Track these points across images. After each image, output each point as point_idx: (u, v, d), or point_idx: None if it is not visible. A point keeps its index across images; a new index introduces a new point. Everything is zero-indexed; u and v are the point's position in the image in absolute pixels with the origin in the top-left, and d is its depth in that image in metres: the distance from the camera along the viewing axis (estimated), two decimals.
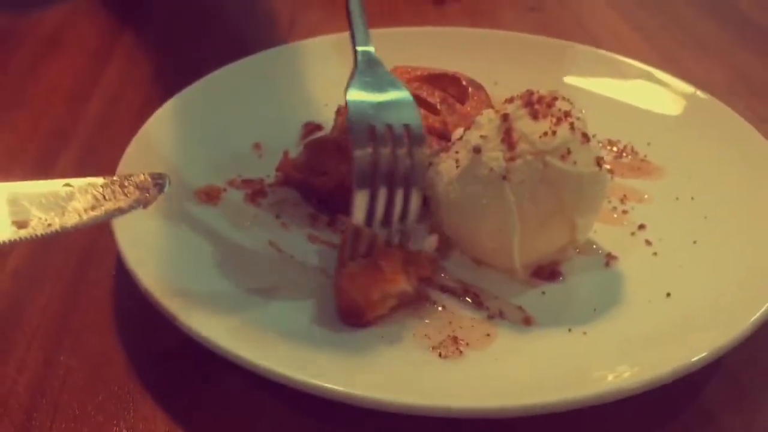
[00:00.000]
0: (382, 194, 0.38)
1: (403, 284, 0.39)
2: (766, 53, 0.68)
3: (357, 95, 0.40)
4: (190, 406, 0.37)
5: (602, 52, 0.60)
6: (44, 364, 0.39)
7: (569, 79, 0.58)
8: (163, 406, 0.37)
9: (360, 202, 0.38)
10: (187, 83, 0.54)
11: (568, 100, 0.42)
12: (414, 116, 0.39)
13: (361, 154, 0.37)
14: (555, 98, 0.40)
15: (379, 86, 0.40)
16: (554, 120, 0.40)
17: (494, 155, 0.39)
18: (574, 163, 0.40)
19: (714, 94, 0.61)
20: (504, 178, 0.39)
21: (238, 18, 0.74)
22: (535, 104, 0.40)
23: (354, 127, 0.38)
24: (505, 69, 0.58)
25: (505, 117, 0.40)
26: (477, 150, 0.40)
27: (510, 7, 0.77)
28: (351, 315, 0.38)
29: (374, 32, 0.62)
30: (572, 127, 0.40)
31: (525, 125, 0.40)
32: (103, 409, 0.37)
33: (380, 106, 0.39)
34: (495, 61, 0.59)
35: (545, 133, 0.39)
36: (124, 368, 0.39)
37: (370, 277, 0.38)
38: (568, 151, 0.39)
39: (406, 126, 0.38)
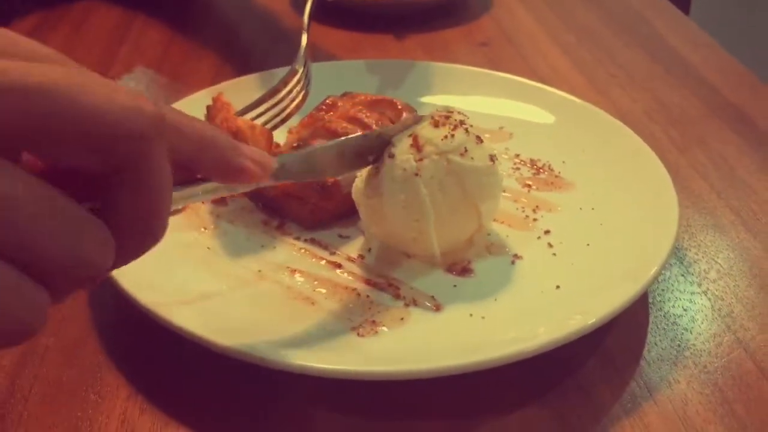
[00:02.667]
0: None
1: None
2: (685, 85, 0.76)
3: None
4: (148, 375, 0.44)
5: (535, 84, 0.68)
6: (27, 343, 0.46)
7: (504, 107, 0.66)
8: (125, 376, 0.44)
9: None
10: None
11: (462, 113, 0.50)
12: None
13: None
14: (450, 111, 0.49)
15: None
16: (452, 126, 0.48)
17: (406, 158, 0.47)
18: (472, 158, 0.47)
19: (636, 121, 0.69)
20: (416, 175, 0.46)
21: (220, 48, 0.82)
22: (435, 117, 0.48)
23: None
24: (447, 97, 0.66)
25: (412, 132, 0.47)
26: (391, 155, 0.48)
27: (463, 43, 0.85)
28: None
29: (333, 63, 0.71)
30: (467, 131, 0.48)
31: (428, 132, 0.48)
32: (75, 378, 0.44)
33: None
34: (441, 90, 0.68)
35: (445, 137, 0.47)
36: (95, 347, 0.46)
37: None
38: (466, 150, 0.47)
39: None
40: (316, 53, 0.81)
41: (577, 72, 0.79)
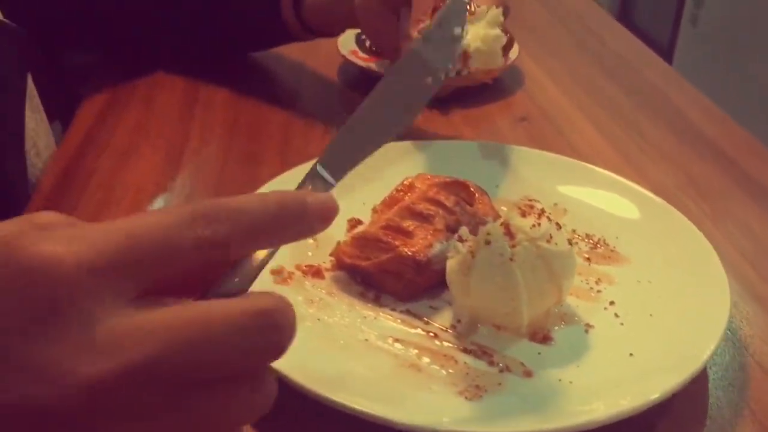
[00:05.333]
0: None
1: None
2: (709, 160, 0.84)
3: None
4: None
5: (584, 165, 0.76)
6: None
7: (558, 184, 0.73)
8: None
9: None
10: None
11: (539, 202, 0.57)
12: None
13: None
14: (531, 200, 0.56)
15: None
16: (536, 216, 0.56)
17: (501, 245, 0.54)
18: (556, 244, 0.55)
19: (668, 194, 0.76)
20: (511, 260, 0.54)
21: (280, 129, 0.89)
22: (522, 207, 0.56)
23: None
24: (506, 176, 0.74)
25: (504, 221, 0.55)
26: (488, 242, 0.55)
27: (503, 117, 0.93)
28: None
29: (400, 144, 0.79)
30: (549, 219, 0.56)
31: (518, 222, 0.55)
32: None
33: None
34: (497, 169, 0.75)
35: (533, 226, 0.55)
36: None
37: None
38: (551, 236, 0.55)
39: None
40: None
41: (612, 147, 0.87)
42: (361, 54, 1.00)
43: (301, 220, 0.35)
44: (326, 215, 0.36)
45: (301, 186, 0.42)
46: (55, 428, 0.29)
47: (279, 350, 0.32)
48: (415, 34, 0.71)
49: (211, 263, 0.33)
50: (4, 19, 0.72)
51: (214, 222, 0.32)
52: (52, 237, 0.30)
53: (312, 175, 0.42)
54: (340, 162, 0.43)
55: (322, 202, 0.36)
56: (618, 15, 3.80)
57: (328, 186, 0.42)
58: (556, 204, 0.71)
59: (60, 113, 0.96)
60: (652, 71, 1.08)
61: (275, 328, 0.32)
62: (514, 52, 1.00)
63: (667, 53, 3.33)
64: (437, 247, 0.60)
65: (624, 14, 3.79)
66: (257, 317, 0.31)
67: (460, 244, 0.57)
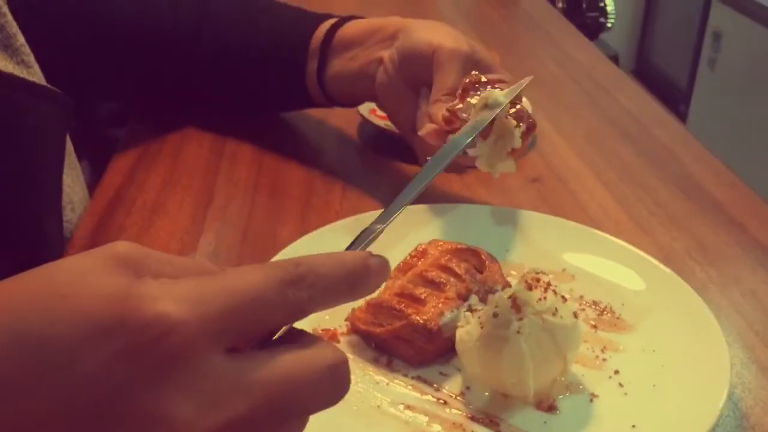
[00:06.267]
0: None
1: None
2: (718, 224, 0.86)
3: None
4: None
5: (593, 231, 0.78)
6: None
7: (569, 253, 0.76)
8: None
9: None
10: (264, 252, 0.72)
11: (545, 273, 0.60)
12: None
13: None
14: (538, 273, 0.59)
15: None
16: (543, 289, 0.58)
17: (508, 317, 0.57)
18: (561, 317, 0.57)
19: (675, 258, 0.79)
20: (518, 332, 0.56)
21: (301, 187, 0.93)
22: (528, 280, 0.58)
23: None
24: (517, 241, 0.77)
25: (511, 294, 0.57)
26: (495, 315, 0.57)
27: (515, 178, 0.96)
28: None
29: (414, 208, 0.82)
30: (555, 292, 0.58)
31: (525, 295, 0.58)
32: None
33: None
34: (508, 234, 0.78)
35: (539, 299, 0.57)
36: None
37: None
38: (556, 309, 0.57)
39: None
40: (389, 192, 0.92)
41: (621, 209, 0.89)
42: (379, 113, 1.03)
43: (365, 281, 0.39)
44: (384, 276, 0.40)
45: (354, 246, 0.45)
46: None
47: (339, 399, 0.38)
48: (444, 111, 0.72)
49: None
50: (48, 85, 0.76)
51: (299, 288, 0.36)
52: (164, 296, 0.33)
53: (365, 236, 0.46)
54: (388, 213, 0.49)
55: (381, 263, 0.40)
56: (636, 58, 3.85)
57: (377, 228, 0.46)
58: (564, 270, 0.74)
59: (88, 153, 1.00)
60: (663, 131, 1.10)
61: (344, 381, 0.38)
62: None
63: (685, 95, 3.37)
64: (448, 316, 0.63)
65: (643, 57, 3.83)
66: (333, 370, 0.37)
67: (470, 314, 0.60)
